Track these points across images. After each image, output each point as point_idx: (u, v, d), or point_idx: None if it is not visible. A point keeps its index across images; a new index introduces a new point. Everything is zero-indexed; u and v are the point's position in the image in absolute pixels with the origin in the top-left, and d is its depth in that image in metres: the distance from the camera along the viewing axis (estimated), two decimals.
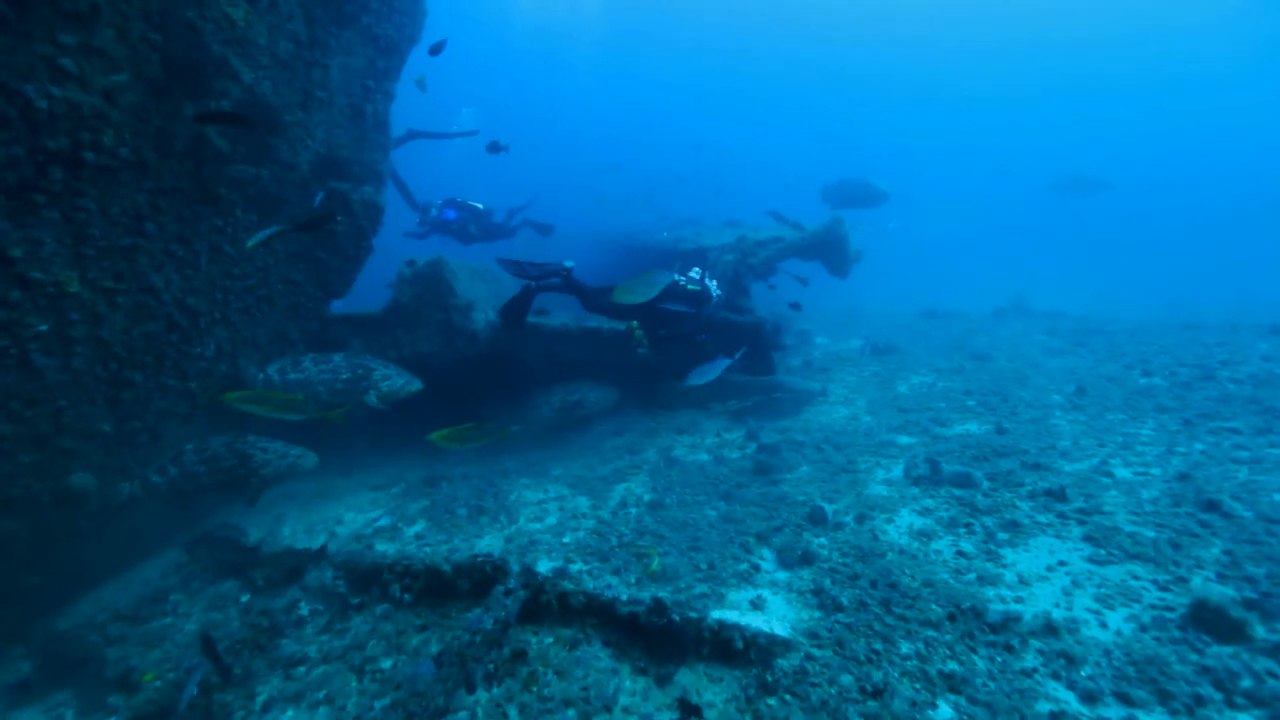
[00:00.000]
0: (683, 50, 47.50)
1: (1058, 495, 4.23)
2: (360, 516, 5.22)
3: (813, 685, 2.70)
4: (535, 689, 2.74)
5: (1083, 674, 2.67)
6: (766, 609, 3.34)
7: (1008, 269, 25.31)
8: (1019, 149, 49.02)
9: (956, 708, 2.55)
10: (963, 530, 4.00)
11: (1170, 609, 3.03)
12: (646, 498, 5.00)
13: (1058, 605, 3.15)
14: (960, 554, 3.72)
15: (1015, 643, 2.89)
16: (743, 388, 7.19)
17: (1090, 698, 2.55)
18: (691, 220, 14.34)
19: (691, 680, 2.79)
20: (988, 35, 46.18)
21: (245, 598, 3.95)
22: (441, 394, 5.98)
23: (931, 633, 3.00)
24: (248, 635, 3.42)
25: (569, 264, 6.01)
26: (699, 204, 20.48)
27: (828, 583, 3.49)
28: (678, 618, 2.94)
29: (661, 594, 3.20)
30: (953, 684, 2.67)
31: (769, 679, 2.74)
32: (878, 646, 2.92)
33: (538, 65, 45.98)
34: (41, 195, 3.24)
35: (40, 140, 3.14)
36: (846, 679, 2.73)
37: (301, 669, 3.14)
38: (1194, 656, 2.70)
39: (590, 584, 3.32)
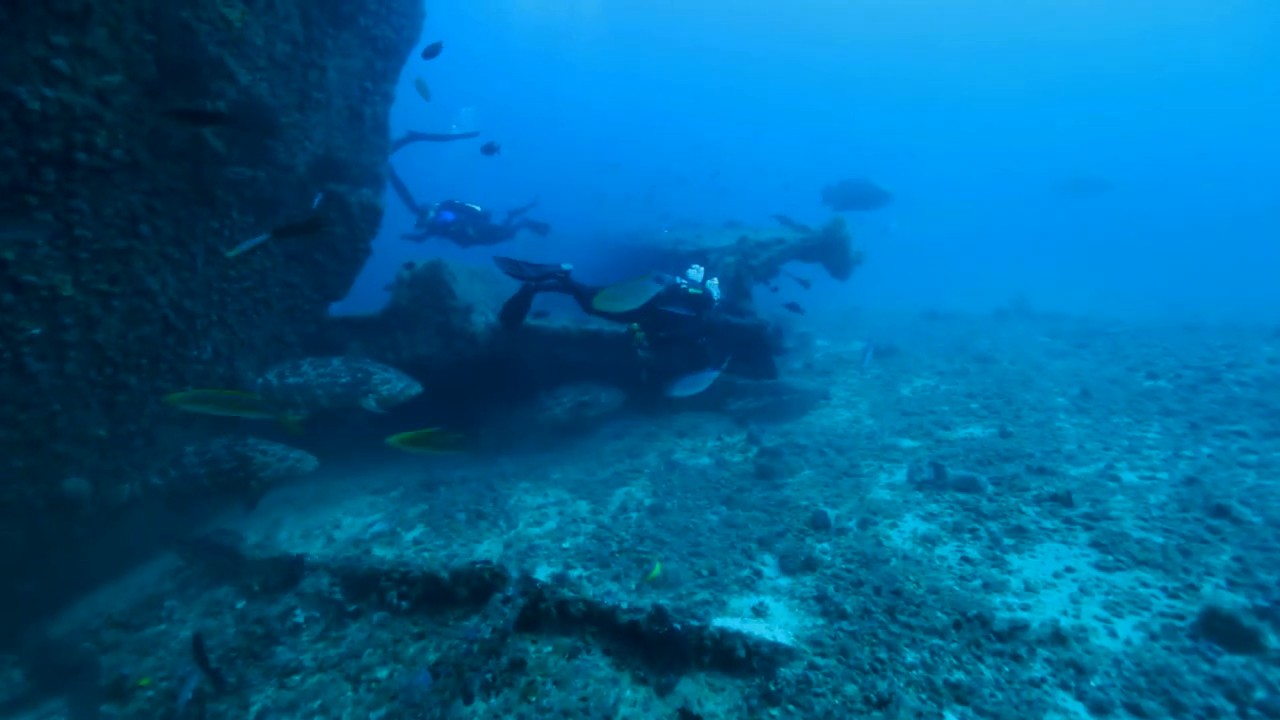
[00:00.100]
0: (683, 50, 47.50)
1: (1064, 500, 4.18)
2: (358, 521, 5.17)
3: (816, 695, 2.65)
4: (534, 699, 2.69)
5: (1092, 684, 2.62)
6: (769, 616, 3.29)
7: (1008, 270, 25.26)
8: (1019, 150, 49.02)
9: (964, 719, 2.50)
10: (968, 536, 3.95)
11: (1180, 617, 2.97)
12: (647, 502, 4.95)
13: (1065, 613, 3.10)
14: (965, 560, 3.67)
15: (1023, 652, 2.84)
16: (744, 391, 7.14)
17: (1100, 709, 2.49)
18: (691, 221, 14.28)
19: (693, 690, 2.74)
20: (988, 36, 46.16)
21: (241, 604, 3.90)
22: (441, 397, 5.94)
23: (937, 641, 2.95)
24: (242, 643, 3.37)
25: (567, 266, 5.95)
26: (699, 204, 20.44)
27: (831, 589, 3.43)
28: (679, 626, 2.89)
29: (662, 601, 3.15)
30: (959, 694, 2.62)
31: (772, 689, 2.69)
32: (882, 655, 2.87)
33: (537, 65, 45.97)
34: (34, 197, 3.20)
35: (33, 141, 3.10)
36: (851, 689, 2.68)
37: (296, 678, 3.09)
38: (1206, 667, 2.65)
39: (590, 591, 3.27)
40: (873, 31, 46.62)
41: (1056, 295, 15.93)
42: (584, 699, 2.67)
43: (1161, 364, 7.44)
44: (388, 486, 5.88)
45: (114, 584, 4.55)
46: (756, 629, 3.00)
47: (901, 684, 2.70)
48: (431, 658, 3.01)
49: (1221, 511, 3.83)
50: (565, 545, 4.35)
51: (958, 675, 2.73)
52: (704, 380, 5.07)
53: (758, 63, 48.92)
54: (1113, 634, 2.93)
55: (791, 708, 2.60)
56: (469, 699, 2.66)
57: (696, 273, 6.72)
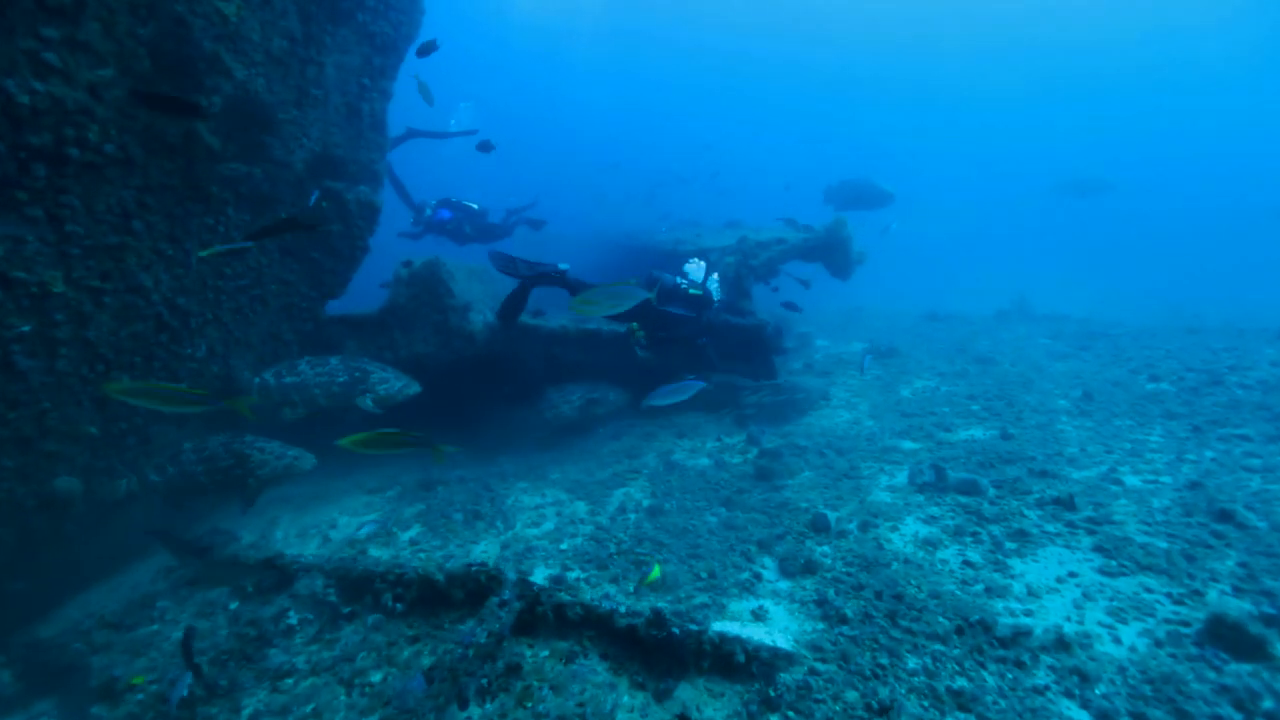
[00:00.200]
0: (683, 50, 47.39)
1: (1066, 503, 4.14)
2: (355, 520, 5.12)
3: (817, 701, 2.61)
4: (530, 705, 2.65)
5: (1097, 692, 2.58)
6: (769, 620, 3.24)
7: (1009, 270, 25.21)
8: (1020, 150, 48.97)
9: None
10: (969, 539, 3.90)
11: (1186, 624, 2.94)
12: (646, 503, 4.90)
13: (1069, 619, 3.06)
14: (967, 564, 3.63)
15: (1026, 658, 2.80)
16: (744, 391, 7.10)
17: (1105, 717, 2.45)
18: (692, 221, 14.24)
19: (692, 695, 2.70)
20: (988, 36, 46.11)
21: (234, 605, 3.85)
22: (439, 396, 5.89)
23: (939, 647, 2.91)
24: (235, 645, 3.33)
25: (564, 266, 5.90)
26: (699, 204, 20.37)
27: (831, 593, 3.39)
28: (678, 630, 2.85)
29: (661, 605, 3.11)
30: (962, 702, 2.58)
31: (772, 694, 2.65)
32: (884, 661, 2.83)
33: (537, 65, 45.88)
34: (24, 192, 3.15)
35: (23, 136, 3.05)
36: (852, 695, 2.64)
37: (289, 681, 3.05)
38: (1212, 675, 2.61)
39: (588, 594, 3.23)
40: (873, 31, 46.56)
41: (1057, 296, 15.88)
42: (581, 704, 2.62)
43: (1164, 366, 7.40)
44: (385, 485, 5.82)
45: (108, 582, 4.50)
46: (756, 633, 2.96)
47: (903, 690, 2.66)
48: (426, 662, 2.96)
49: (1226, 516, 3.79)
50: (563, 547, 4.30)
51: (960, 682, 2.69)
52: (685, 390, 5.00)
53: (758, 63, 48.84)
54: (1117, 640, 2.89)
55: (792, 714, 2.56)
56: (464, 704, 2.61)
57: (696, 270, 6.66)
